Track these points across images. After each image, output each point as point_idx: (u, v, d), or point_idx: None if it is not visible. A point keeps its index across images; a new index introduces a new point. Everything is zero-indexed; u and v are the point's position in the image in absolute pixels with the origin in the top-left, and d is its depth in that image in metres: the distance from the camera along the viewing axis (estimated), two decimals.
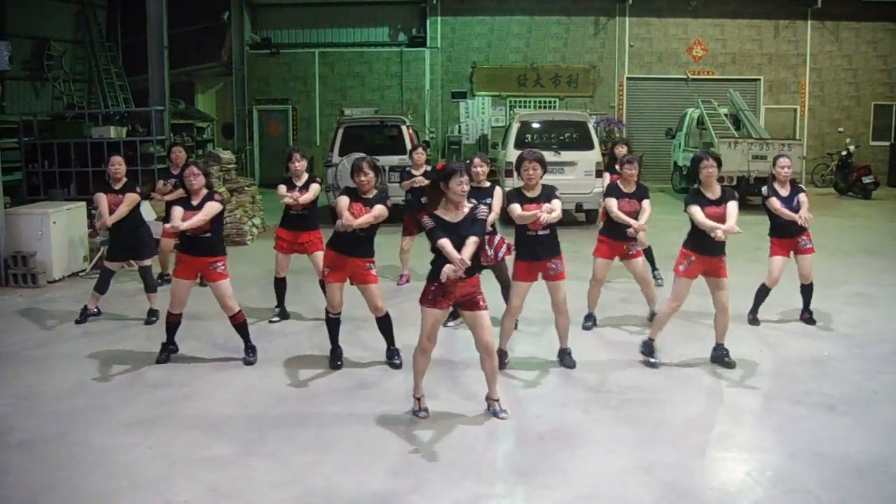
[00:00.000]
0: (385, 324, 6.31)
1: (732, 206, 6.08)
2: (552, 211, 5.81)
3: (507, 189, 6.92)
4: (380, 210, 5.97)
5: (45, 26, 18.22)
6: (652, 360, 6.33)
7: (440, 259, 5.04)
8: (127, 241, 7.63)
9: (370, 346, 6.71)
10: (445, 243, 4.93)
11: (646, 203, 7.15)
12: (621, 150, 8.73)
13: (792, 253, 7.31)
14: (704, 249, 6.07)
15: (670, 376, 6.14)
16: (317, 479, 4.46)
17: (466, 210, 5.09)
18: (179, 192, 8.64)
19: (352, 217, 5.88)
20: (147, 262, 7.72)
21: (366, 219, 5.93)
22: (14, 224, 9.40)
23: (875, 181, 17.99)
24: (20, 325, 7.66)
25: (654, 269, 9.00)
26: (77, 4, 19.09)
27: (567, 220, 12.71)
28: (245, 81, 21.32)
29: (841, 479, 4.44)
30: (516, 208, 5.87)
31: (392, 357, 6.34)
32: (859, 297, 8.57)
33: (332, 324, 6.33)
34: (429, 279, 5.11)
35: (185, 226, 6.06)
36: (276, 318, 7.67)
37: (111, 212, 7.46)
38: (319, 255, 7.47)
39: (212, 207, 6.20)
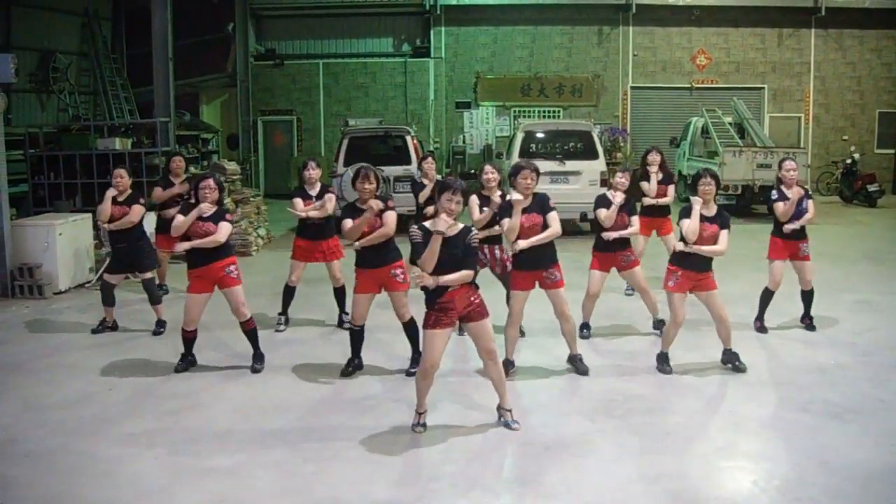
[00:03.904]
0: (410, 330, 6.31)
1: (724, 235, 6.18)
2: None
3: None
4: (389, 218, 6.06)
5: (50, 39, 18.31)
6: (667, 367, 6.38)
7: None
8: (128, 254, 7.63)
9: (378, 356, 6.71)
10: (425, 259, 4.88)
11: (634, 219, 7.11)
12: (655, 159, 8.72)
13: (791, 259, 7.38)
14: (690, 265, 6.17)
15: (674, 385, 6.13)
16: (321, 489, 4.46)
17: (460, 227, 5.02)
18: (173, 192, 8.79)
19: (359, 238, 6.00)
20: (149, 275, 7.73)
21: (379, 233, 6.03)
22: (20, 236, 9.43)
23: (880, 189, 17.99)
24: (26, 337, 7.68)
25: None
26: (82, 17, 19.21)
27: (570, 229, 12.72)
28: (250, 92, 21.39)
29: (847, 488, 4.42)
30: (506, 222, 5.95)
31: (413, 365, 6.30)
32: (864, 305, 8.55)
33: (354, 335, 6.34)
34: (426, 304, 5.05)
35: (193, 245, 6.17)
36: (283, 328, 7.70)
37: (113, 220, 7.52)
38: (337, 264, 7.52)
39: (226, 229, 6.30)
